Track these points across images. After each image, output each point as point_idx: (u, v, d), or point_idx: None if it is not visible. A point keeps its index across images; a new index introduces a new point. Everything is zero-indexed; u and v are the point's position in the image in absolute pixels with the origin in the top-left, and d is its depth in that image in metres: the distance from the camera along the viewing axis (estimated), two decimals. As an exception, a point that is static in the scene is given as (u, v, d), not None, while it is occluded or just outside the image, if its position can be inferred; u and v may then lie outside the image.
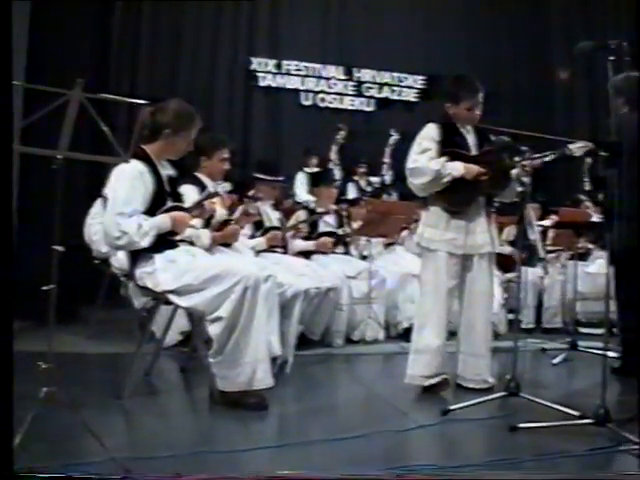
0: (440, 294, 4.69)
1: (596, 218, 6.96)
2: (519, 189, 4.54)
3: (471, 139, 4.82)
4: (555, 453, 3.49)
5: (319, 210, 7.20)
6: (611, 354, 5.38)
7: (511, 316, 7.18)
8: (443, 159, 4.61)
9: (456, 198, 4.66)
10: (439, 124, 4.78)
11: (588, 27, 11.92)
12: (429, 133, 4.73)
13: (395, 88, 11.57)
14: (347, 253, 7.33)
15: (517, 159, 4.47)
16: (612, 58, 3.92)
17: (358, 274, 6.78)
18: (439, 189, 4.65)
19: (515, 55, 12.04)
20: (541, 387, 5.09)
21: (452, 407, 4.15)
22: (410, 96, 11.60)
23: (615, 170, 3.97)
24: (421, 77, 11.58)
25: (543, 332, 7.80)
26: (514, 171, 4.57)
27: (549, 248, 8.16)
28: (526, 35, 12.05)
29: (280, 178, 6.71)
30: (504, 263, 7.40)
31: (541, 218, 8.19)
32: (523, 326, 7.67)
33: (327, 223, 7.23)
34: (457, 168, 4.59)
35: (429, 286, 4.75)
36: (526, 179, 4.44)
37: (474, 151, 4.79)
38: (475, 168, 4.61)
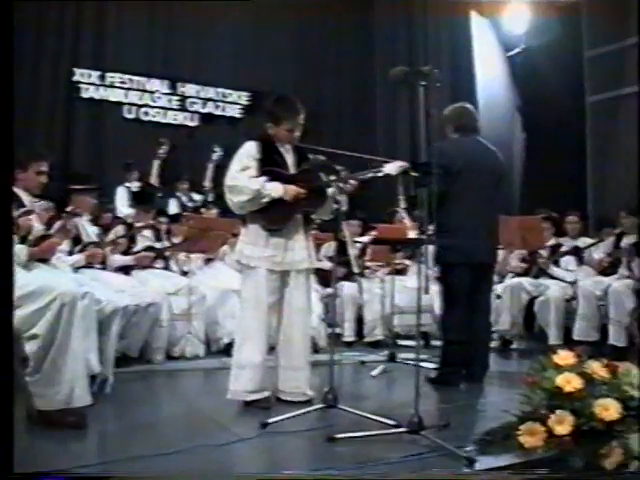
0: (261, 310, 4.73)
1: (412, 234, 7.19)
2: (335, 207, 4.69)
3: (290, 158, 4.91)
4: (371, 461, 3.56)
5: (137, 225, 7.14)
6: (428, 365, 5.63)
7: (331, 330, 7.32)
8: (263, 179, 4.68)
9: (274, 216, 4.71)
10: (259, 142, 4.83)
11: (411, 49, 12.35)
12: (249, 151, 4.78)
13: (219, 104, 11.59)
14: (167, 268, 7.31)
15: (333, 178, 4.60)
16: (424, 83, 4.10)
17: (178, 290, 6.79)
18: (257, 208, 4.71)
19: (339, 75, 12.35)
20: (360, 398, 5.24)
21: (271, 420, 4.18)
22: (234, 112, 11.66)
23: (424, 189, 4.15)
24: (246, 93, 11.66)
25: (364, 345, 7.98)
26: (330, 190, 4.71)
27: (368, 263, 8.38)
28: (351, 56, 12.39)
29: (94, 186, 6.59)
30: (325, 278, 7.57)
31: (361, 234, 8.40)
32: (344, 339, 7.87)
33: (146, 238, 7.18)
34: (276, 189, 4.66)
35: (250, 302, 4.79)
36: (341, 197, 4.58)
37: (292, 170, 4.87)
38: (294, 189, 4.69)
